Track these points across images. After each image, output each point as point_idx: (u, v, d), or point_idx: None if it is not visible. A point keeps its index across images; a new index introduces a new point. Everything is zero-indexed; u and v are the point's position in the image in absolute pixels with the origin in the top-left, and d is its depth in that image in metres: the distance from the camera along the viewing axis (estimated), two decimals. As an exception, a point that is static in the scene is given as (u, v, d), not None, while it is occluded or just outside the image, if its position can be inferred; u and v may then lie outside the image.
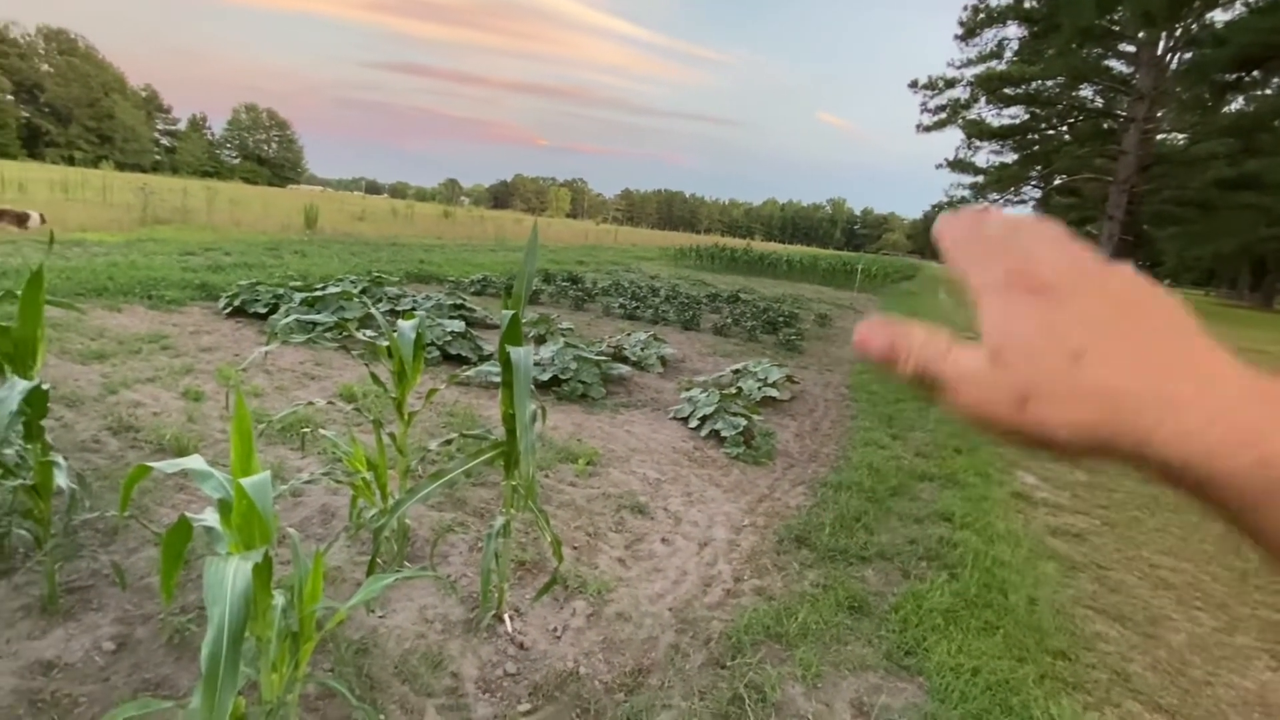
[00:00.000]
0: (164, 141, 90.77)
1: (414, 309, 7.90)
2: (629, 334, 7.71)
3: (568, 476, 4.03)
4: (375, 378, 2.75)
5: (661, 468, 4.40)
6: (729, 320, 10.51)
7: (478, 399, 5.43)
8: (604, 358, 6.16)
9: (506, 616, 2.56)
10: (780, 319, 10.86)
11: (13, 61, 71.83)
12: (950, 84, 35.13)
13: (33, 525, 2.31)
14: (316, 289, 7.98)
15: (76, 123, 75.57)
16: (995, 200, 39.17)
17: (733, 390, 5.77)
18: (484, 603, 2.55)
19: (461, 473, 2.32)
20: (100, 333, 6.01)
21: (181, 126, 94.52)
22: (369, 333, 4.84)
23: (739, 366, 6.83)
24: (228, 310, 7.52)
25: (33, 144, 71.71)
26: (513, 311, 2.16)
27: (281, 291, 7.69)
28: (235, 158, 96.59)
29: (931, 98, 35.84)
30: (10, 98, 71.42)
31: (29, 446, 2.24)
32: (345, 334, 6.50)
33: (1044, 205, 43.78)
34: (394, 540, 2.84)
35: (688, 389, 5.97)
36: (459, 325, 6.64)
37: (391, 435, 2.73)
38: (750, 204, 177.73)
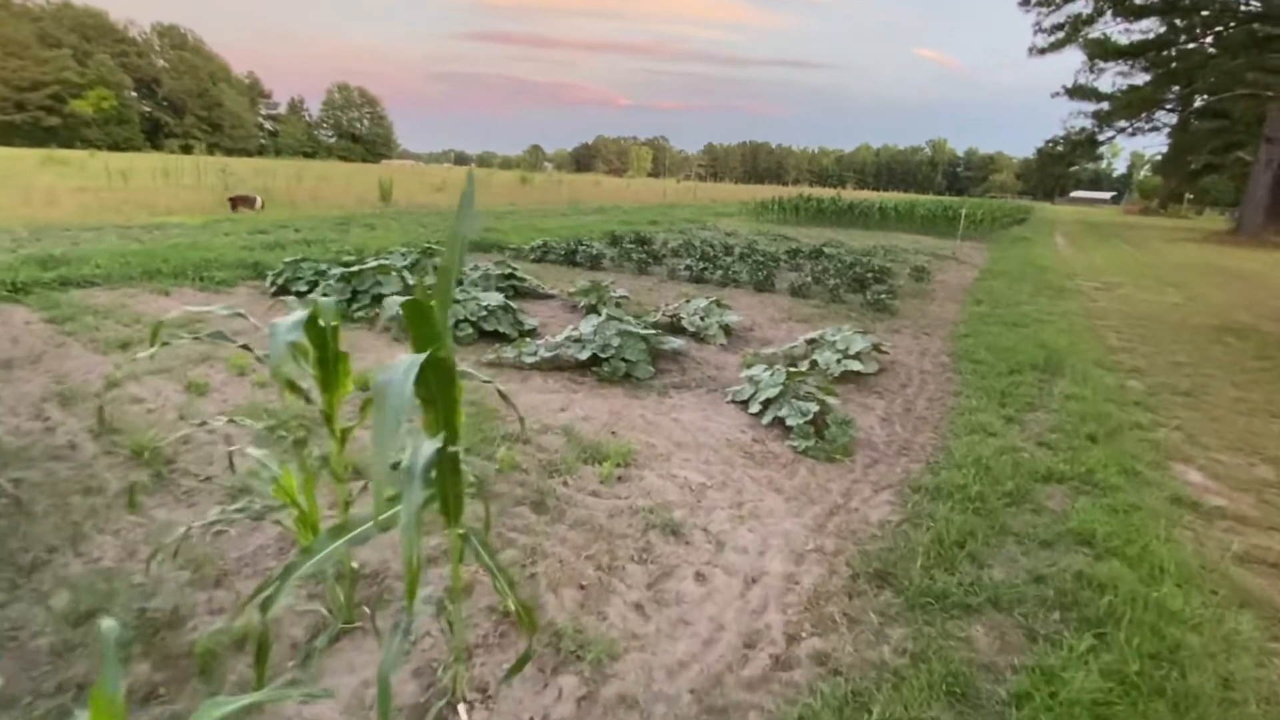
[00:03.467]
0: (267, 126, 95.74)
1: (460, 281, 7.36)
2: (689, 299, 6.86)
3: (590, 483, 3.33)
4: (293, 385, 2.05)
5: (709, 468, 3.62)
6: (809, 279, 9.43)
7: (509, 381, 4.77)
8: (654, 330, 5.38)
9: (461, 709, 1.91)
10: (869, 274, 9.65)
11: (132, 60, 77.31)
12: (1069, -3, 31.10)
13: None
14: (368, 262, 7.60)
15: (190, 113, 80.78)
16: (1123, 129, 34.78)
17: (804, 365, 4.86)
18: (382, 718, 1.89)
19: (374, 527, 1.63)
20: (137, 319, 5.82)
21: (282, 110, 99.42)
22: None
23: (814, 335, 5.87)
24: (274, 289, 7.27)
25: (154, 136, 77.37)
26: (411, 299, 1.42)
27: (323, 268, 7.35)
28: (331, 137, 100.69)
29: (1047, 15, 32.04)
30: (133, 94, 77.13)
31: None
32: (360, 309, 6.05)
33: (1182, 131, 38.45)
34: (340, 590, 2.24)
35: (751, 365, 5.11)
36: (496, 298, 6.03)
37: (324, 458, 2.10)
38: (841, 151, 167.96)
